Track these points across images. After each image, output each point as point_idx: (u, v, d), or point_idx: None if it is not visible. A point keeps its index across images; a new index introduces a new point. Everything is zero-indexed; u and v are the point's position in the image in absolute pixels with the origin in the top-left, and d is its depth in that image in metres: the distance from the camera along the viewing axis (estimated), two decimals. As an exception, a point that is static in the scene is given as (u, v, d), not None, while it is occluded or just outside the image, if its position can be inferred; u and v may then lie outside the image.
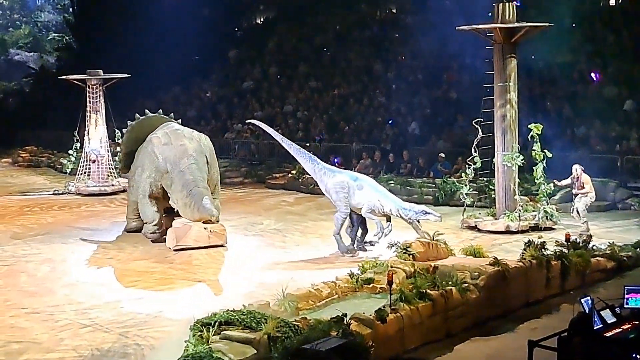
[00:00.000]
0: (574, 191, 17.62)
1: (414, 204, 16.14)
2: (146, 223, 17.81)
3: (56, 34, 55.20)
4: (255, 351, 9.72)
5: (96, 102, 24.87)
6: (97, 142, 25.06)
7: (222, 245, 16.98)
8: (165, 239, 17.27)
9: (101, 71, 25.18)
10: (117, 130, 25.06)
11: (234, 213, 20.77)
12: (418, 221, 15.49)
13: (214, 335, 9.97)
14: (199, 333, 9.99)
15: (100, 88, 25.01)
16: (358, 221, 16.09)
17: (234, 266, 15.54)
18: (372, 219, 15.80)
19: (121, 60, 30.86)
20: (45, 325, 12.01)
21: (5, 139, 37.13)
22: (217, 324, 10.16)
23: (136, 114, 19.02)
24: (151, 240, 17.57)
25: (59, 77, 27.76)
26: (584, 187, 17.35)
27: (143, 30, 35.79)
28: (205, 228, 16.83)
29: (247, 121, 19.06)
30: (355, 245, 16.08)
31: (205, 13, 39.49)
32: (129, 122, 18.96)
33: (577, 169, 17.42)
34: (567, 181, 17.62)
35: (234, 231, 18.72)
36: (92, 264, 15.95)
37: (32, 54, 55.04)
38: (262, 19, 41.61)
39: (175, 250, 16.68)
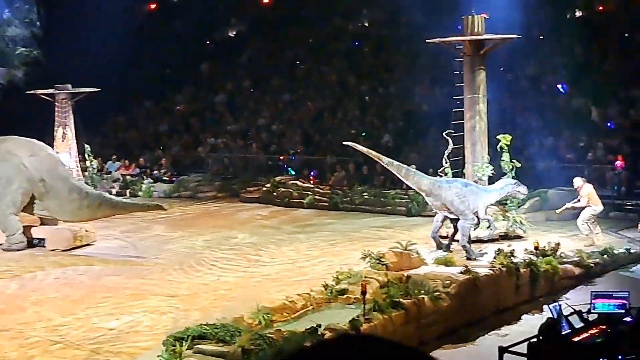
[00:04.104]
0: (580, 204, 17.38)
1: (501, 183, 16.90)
2: (11, 235, 18.36)
3: (24, 49, 54.77)
4: (229, 364, 9.75)
5: (65, 116, 24.66)
6: (66, 156, 24.91)
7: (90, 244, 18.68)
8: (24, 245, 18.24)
9: (70, 85, 25.00)
10: (86, 145, 25.07)
11: (208, 227, 20.75)
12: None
13: (187, 349, 9.99)
14: (172, 347, 9.99)
15: (69, 102, 24.82)
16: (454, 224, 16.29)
17: (207, 281, 15.51)
18: (486, 219, 16.34)
19: (91, 75, 30.71)
20: (15, 343, 11.93)
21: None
22: (190, 338, 10.17)
23: None
24: (16, 250, 18.11)
25: (27, 92, 27.56)
26: (588, 201, 17.07)
27: (113, 45, 35.65)
28: (81, 228, 18.73)
29: (344, 143, 18.73)
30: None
31: (176, 26, 39.42)
32: None
33: (576, 181, 17.47)
34: (579, 202, 17.28)
35: (209, 245, 18.71)
36: (62, 280, 15.82)
37: (-1, 68, 54.63)
38: (234, 32, 41.64)
39: (63, 250, 17.97)
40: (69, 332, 12.33)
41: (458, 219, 15.96)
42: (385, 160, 17.01)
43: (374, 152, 17.29)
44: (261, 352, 9.87)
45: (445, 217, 16.30)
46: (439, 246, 16.11)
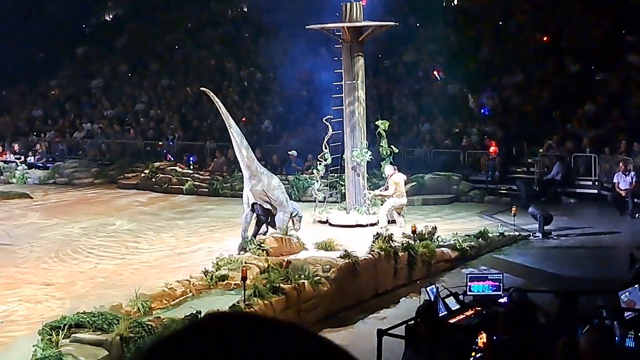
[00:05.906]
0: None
1: None
2: None
3: None
4: (107, 352, 9.59)
5: None
6: None
7: None
8: None
9: None
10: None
11: (84, 214, 20.28)
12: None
13: (63, 338, 9.76)
14: (48, 337, 9.75)
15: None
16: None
17: (84, 268, 15.17)
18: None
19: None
20: None
21: None
22: (66, 327, 9.93)
23: None
24: None
25: None
26: (387, 189, 17.26)
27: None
28: None
29: (201, 88, 16.98)
30: None
31: (51, 9, 38.19)
32: None
33: (387, 169, 17.48)
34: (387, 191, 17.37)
35: (86, 232, 18.28)
36: None
37: None
38: (111, 16, 40.70)
39: None
40: (-64, 324, 11.83)
41: (267, 215, 15.61)
42: (231, 122, 15.79)
43: (224, 109, 16.03)
44: (140, 339, 9.76)
45: (254, 213, 15.66)
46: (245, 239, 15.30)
